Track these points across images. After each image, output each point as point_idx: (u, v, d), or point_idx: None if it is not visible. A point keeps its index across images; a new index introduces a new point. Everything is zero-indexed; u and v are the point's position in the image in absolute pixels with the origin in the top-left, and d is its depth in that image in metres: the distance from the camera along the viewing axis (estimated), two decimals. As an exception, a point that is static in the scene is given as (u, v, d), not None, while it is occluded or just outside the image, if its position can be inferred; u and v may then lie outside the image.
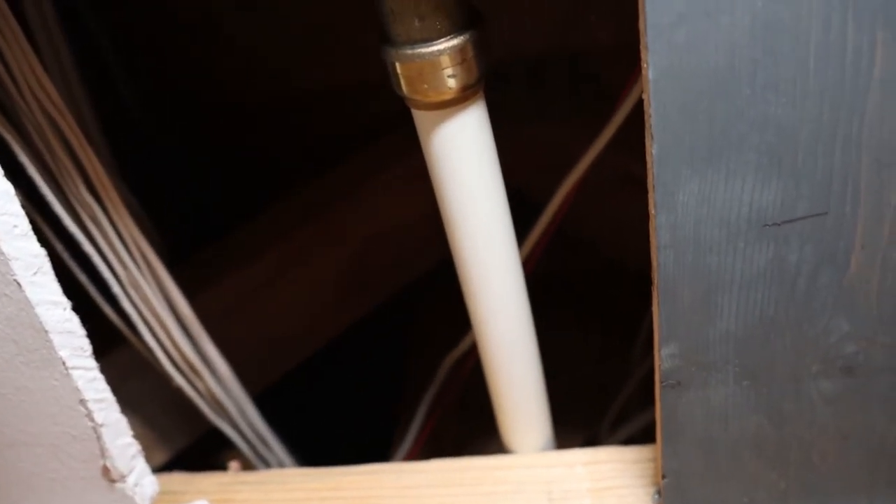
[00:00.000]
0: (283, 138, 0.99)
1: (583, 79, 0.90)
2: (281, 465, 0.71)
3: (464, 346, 0.66)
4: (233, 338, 0.77)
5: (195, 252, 0.84)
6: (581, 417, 0.84)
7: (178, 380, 0.61)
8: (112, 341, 0.70)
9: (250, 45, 0.94)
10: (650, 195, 0.38)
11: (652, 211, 0.38)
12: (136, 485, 0.52)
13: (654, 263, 0.40)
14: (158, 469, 0.62)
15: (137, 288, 0.56)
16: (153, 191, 0.86)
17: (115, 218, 0.54)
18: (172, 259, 0.79)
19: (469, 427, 0.85)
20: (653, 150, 0.36)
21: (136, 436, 0.71)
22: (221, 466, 0.63)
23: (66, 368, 0.46)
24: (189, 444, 0.77)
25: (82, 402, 0.47)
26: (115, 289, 0.55)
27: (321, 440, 0.89)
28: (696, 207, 0.38)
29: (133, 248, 0.55)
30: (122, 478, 0.51)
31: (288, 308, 0.84)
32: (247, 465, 0.68)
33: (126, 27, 0.92)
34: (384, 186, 0.86)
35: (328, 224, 0.84)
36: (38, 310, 0.44)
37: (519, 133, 0.92)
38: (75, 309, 0.49)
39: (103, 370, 0.51)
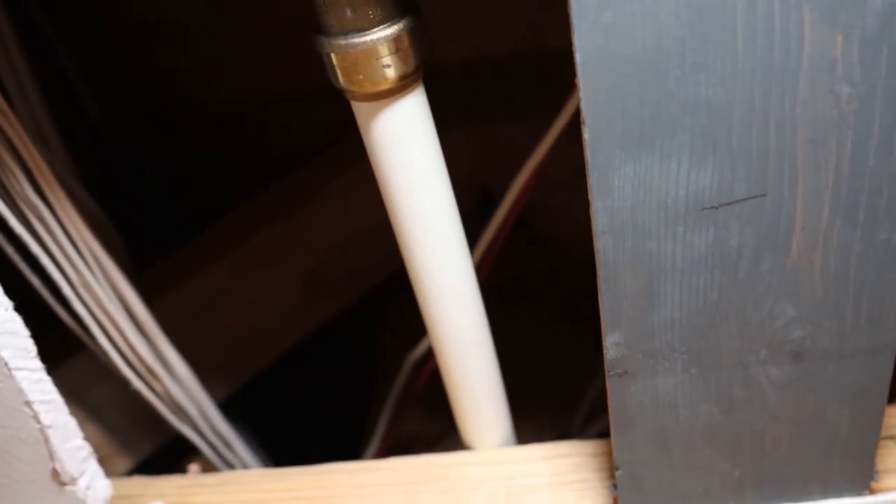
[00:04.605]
0: (248, 142, 0.99)
1: (548, 77, 0.90)
2: (245, 467, 0.70)
3: (425, 344, 0.65)
4: (200, 341, 0.76)
5: (162, 256, 0.83)
6: (552, 414, 0.84)
7: (136, 383, 0.60)
8: (74, 348, 0.70)
9: (215, 48, 0.93)
10: (587, 180, 0.38)
11: (590, 197, 0.38)
12: (87, 488, 0.51)
13: (595, 250, 0.40)
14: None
15: (89, 289, 0.55)
16: (118, 196, 0.86)
17: (64, 219, 0.53)
18: (140, 264, 0.79)
19: (439, 427, 0.85)
20: (585, 134, 0.36)
21: (99, 443, 0.71)
22: (184, 472, 0.62)
23: (9, 369, 0.45)
24: (153, 451, 0.77)
25: (27, 403, 0.46)
26: (66, 290, 0.54)
27: (293, 442, 0.88)
28: (633, 192, 0.37)
29: (84, 250, 0.55)
30: (73, 480, 0.50)
31: (255, 311, 0.83)
32: (210, 469, 0.67)
33: (88, 31, 0.92)
34: (349, 188, 0.85)
35: (294, 226, 0.83)
36: (-23, 310, 0.43)
37: (485, 132, 0.92)
38: (34, 314, 0.49)
39: (63, 377, 0.51)
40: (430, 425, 0.86)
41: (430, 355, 0.66)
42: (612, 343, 0.42)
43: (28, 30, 0.79)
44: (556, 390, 0.85)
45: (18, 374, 0.46)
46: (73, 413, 0.51)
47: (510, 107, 0.92)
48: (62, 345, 0.67)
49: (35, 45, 0.82)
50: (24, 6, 0.80)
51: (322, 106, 0.90)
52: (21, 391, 0.46)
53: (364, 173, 0.87)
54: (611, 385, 0.44)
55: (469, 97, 0.94)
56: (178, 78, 0.96)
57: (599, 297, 0.41)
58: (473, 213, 0.76)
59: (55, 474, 0.50)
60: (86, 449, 0.51)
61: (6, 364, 0.45)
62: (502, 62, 0.92)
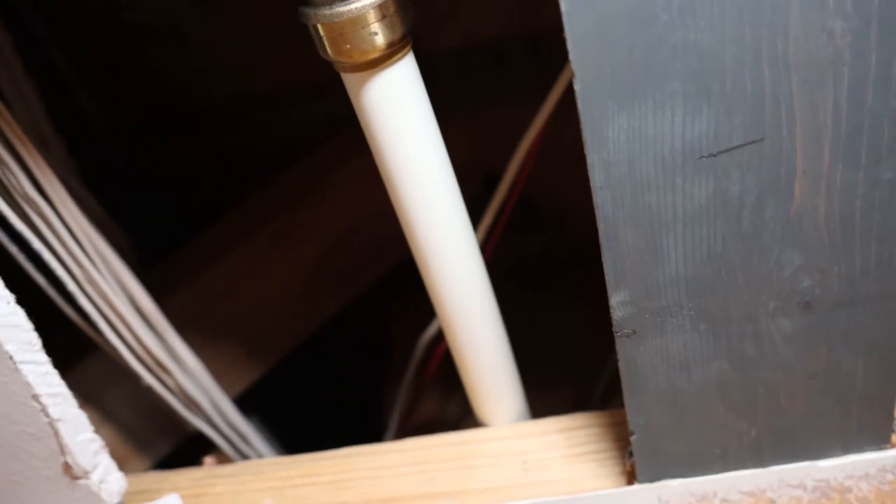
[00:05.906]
0: (250, 138, 0.99)
1: (545, 59, 0.90)
2: (261, 458, 0.69)
3: (436, 325, 0.65)
4: (211, 339, 0.76)
5: (168, 255, 0.83)
6: (573, 390, 0.83)
7: (147, 378, 0.60)
8: (85, 351, 0.70)
9: (213, 46, 0.93)
10: (582, 135, 0.37)
11: (585, 151, 0.37)
12: (101, 481, 0.51)
13: (595, 206, 0.39)
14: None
15: (94, 284, 0.55)
16: (122, 197, 0.86)
17: (66, 215, 0.53)
18: (147, 263, 0.79)
19: (457, 410, 0.84)
20: (576, 85, 0.35)
21: (115, 445, 0.70)
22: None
23: (14, 363, 0.45)
24: (170, 451, 0.76)
25: (35, 397, 0.46)
26: (71, 286, 0.54)
27: (311, 437, 0.88)
28: (628, 143, 0.37)
29: (88, 245, 0.55)
30: (86, 474, 0.50)
31: (265, 305, 0.83)
32: (226, 462, 0.67)
33: (86, 33, 0.92)
34: (354, 176, 0.85)
35: (299, 218, 0.83)
36: (-21, 304, 0.43)
37: (486, 117, 0.91)
38: (44, 317, 0.49)
39: (76, 379, 0.50)
40: (448, 409, 0.86)
41: (441, 336, 0.66)
42: (617, 302, 0.42)
43: (24, 33, 0.79)
44: (575, 367, 0.84)
45: (24, 368, 0.45)
46: (87, 416, 0.51)
47: (509, 90, 0.92)
48: (73, 347, 0.67)
49: (32, 48, 0.82)
50: (20, 8, 0.80)
51: (323, 100, 0.90)
52: (28, 385, 0.46)
53: (370, 161, 0.87)
54: (619, 347, 0.43)
55: (467, 83, 0.93)
56: (177, 76, 0.96)
57: (602, 255, 0.41)
58: (479, 198, 0.76)
59: (67, 468, 0.49)
60: (97, 442, 0.51)
61: (11, 358, 0.45)
62: (499, 46, 0.92)
